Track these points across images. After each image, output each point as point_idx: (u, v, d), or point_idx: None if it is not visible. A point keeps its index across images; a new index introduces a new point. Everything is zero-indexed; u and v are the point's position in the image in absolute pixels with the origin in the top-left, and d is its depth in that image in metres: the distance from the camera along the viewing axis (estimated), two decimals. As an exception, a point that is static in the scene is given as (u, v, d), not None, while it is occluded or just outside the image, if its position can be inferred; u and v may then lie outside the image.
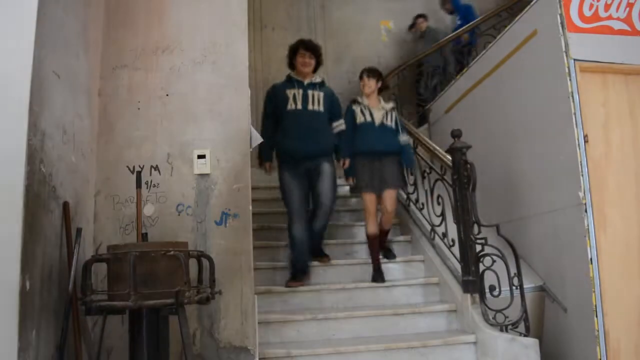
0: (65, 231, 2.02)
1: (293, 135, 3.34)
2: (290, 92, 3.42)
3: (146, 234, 2.23)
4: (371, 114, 3.62)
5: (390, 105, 3.77)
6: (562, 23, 2.86)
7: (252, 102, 2.66)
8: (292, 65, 3.56)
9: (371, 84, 3.68)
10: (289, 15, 5.93)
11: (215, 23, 2.60)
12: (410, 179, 3.97)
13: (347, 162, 3.55)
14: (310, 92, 3.44)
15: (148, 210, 2.40)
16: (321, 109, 3.44)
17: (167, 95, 2.52)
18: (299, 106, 3.39)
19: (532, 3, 3.15)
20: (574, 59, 2.82)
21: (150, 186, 2.42)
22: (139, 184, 2.26)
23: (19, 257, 1.66)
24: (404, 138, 3.68)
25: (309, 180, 3.42)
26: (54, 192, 1.94)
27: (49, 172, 1.89)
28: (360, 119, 3.61)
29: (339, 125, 3.58)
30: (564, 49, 2.83)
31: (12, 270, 1.65)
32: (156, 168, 2.45)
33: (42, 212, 1.84)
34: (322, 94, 3.48)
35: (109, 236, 2.35)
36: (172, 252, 1.93)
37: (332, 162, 3.50)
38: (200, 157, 2.46)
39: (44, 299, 1.83)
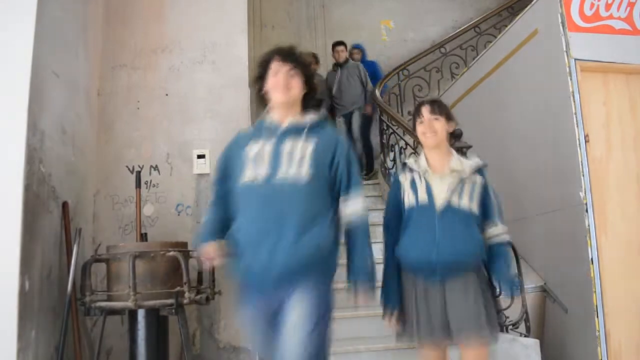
0: (64, 231, 2.01)
1: (246, 237, 1.60)
2: (250, 150, 1.65)
3: (146, 234, 2.22)
4: (428, 189, 1.84)
5: (471, 163, 1.93)
6: (562, 22, 2.85)
7: (251, 102, 2.65)
8: (262, 97, 1.75)
9: (437, 128, 1.87)
10: (289, 15, 5.92)
11: (215, 22, 2.60)
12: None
13: (392, 319, 1.86)
14: (286, 146, 1.63)
15: (147, 210, 2.39)
16: (303, 174, 1.60)
17: (166, 95, 2.51)
18: (262, 173, 1.60)
19: (532, 2, 3.14)
20: (575, 59, 2.81)
21: (149, 186, 2.41)
22: (138, 184, 2.26)
23: (19, 258, 1.66)
24: (496, 231, 1.87)
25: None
26: (53, 192, 1.93)
27: (49, 172, 1.88)
28: (409, 199, 1.86)
29: (351, 207, 1.68)
30: (564, 49, 2.82)
31: (11, 271, 1.64)
32: (155, 168, 2.44)
33: (42, 212, 1.83)
34: (310, 146, 1.64)
35: (109, 236, 2.34)
36: (171, 253, 1.92)
37: (326, 290, 1.73)
38: (200, 156, 2.46)
39: (43, 299, 1.82)
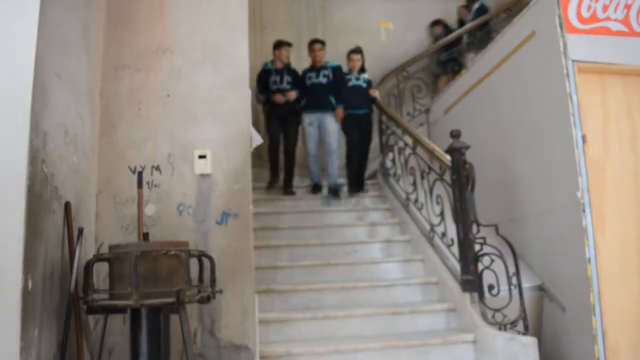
0: (67, 231, 2.03)
1: None
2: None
3: (147, 233, 2.24)
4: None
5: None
6: (560, 24, 2.88)
7: (252, 103, 2.67)
8: None
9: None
10: (290, 16, 5.95)
11: (216, 24, 2.61)
12: (410, 179, 3.98)
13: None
14: None
15: (149, 210, 2.41)
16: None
17: (168, 95, 2.53)
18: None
19: (530, 4, 3.17)
20: (572, 60, 2.83)
21: (151, 186, 2.43)
22: (140, 184, 2.27)
23: (22, 257, 1.66)
24: None
25: None
26: (56, 192, 1.95)
27: (51, 173, 1.90)
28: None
29: None
30: (562, 50, 2.85)
31: (14, 270, 1.65)
32: (157, 168, 2.46)
33: (44, 212, 1.85)
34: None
35: (111, 236, 2.36)
36: (173, 252, 1.93)
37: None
38: (201, 157, 2.47)
39: (46, 299, 1.84)
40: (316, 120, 4.71)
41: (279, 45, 4.87)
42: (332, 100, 4.74)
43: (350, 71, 4.87)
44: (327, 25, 5.98)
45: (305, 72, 4.87)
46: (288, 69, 4.86)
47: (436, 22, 6.07)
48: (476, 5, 5.67)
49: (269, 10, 5.80)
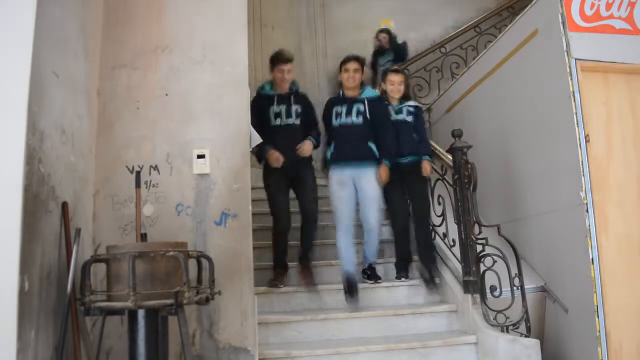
0: (64, 231, 2.01)
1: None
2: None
3: (145, 234, 2.22)
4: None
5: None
6: (563, 22, 2.85)
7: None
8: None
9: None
10: (289, 14, 5.92)
11: (215, 22, 2.59)
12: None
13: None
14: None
15: (147, 210, 2.39)
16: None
17: (166, 94, 2.51)
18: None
19: (533, 2, 3.15)
20: (575, 58, 2.81)
21: (149, 186, 2.41)
22: (138, 184, 2.25)
23: (18, 258, 1.65)
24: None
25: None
26: (53, 192, 1.93)
27: (48, 172, 1.88)
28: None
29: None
30: (565, 48, 2.82)
31: (11, 271, 1.64)
32: (155, 168, 2.44)
33: (41, 212, 1.83)
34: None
35: (108, 236, 2.34)
36: (171, 253, 1.92)
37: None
38: (200, 157, 2.45)
39: (42, 300, 1.82)
40: (350, 179, 3.22)
41: (279, 60, 3.30)
42: (373, 147, 3.26)
43: (387, 100, 3.48)
44: (327, 23, 5.95)
45: (331, 104, 3.37)
46: (297, 94, 3.37)
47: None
48: (390, 58, 5.27)
49: (268, 8, 5.78)
